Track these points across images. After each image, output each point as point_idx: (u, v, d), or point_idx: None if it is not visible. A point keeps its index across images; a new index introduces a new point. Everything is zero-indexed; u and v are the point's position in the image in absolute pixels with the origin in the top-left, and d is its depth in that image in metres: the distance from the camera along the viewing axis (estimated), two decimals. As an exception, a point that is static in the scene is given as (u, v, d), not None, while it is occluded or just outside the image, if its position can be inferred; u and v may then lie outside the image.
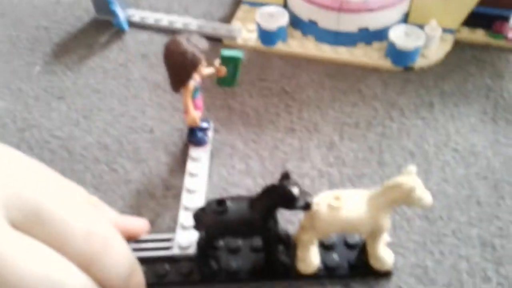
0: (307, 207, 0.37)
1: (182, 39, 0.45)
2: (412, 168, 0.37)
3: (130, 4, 0.72)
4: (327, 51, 0.63)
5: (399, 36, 0.59)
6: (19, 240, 0.25)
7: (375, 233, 0.39)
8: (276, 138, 0.53)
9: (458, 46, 0.63)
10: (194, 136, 0.51)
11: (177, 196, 0.48)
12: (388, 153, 0.51)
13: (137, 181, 0.50)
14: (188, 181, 0.49)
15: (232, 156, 0.52)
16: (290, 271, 0.42)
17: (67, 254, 0.27)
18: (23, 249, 0.25)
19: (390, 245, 0.43)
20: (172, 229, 0.45)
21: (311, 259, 0.41)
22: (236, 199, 0.39)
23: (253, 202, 0.38)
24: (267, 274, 0.42)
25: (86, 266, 0.28)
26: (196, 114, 0.48)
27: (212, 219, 0.38)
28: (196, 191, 0.48)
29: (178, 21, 0.68)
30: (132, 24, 0.69)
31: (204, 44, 0.45)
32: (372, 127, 0.54)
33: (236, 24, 0.68)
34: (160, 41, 0.67)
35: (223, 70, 0.49)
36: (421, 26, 0.61)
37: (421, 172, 0.49)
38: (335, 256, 0.42)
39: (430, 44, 0.61)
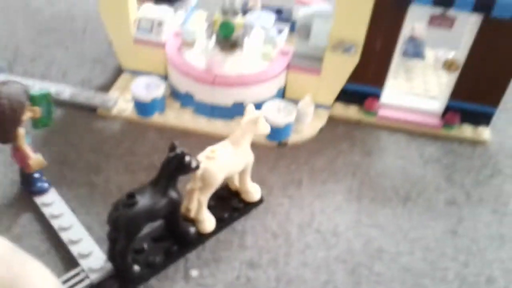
0: (198, 166, 0.44)
1: None
2: (251, 106, 0.49)
3: (2, 69, 0.68)
4: (204, 124, 0.62)
5: (271, 111, 0.59)
6: None
7: (245, 169, 0.50)
8: (136, 219, 0.50)
9: (333, 122, 0.64)
10: (33, 186, 0.51)
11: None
12: (251, 235, 0.50)
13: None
14: (56, 222, 0.49)
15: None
16: (199, 236, 0.48)
17: None
18: None
19: None
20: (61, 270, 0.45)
21: (209, 217, 0.49)
22: (139, 188, 0.42)
23: (155, 182, 0.43)
24: (180, 250, 0.47)
25: None
26: (39, 156, 0.49)
27: (129, 214, 0.41)
28: (71, 226, 0.48)
29: (49, 88, 0.64)
30: None
31: (19, 86, 0.46)
32: (238, 206, 0.52)
33: (114, 93, 0.65)
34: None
35: (38, 110, 0.48)
36: (297, 102, 0.61)
37: (281, 256, 0.48)
38: (220, 209, 0.50)
39: (304, 119, 0.62)
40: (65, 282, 0.43)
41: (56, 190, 0.52)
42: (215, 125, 0.62)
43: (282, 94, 0.65)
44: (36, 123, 0.49)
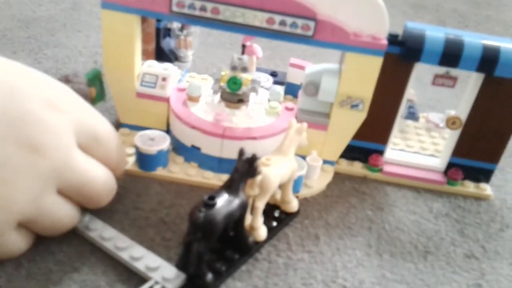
0: (259, 172, 0.47)
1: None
2: (293, 120, 0.54)
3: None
4: (211, 178, 0.60)
5: (283, 165, 0.58)
6: (83, 157, 0.45)
7: (290, 178, 0.53)
8: (149, 277, 0.46)
9: (339, 177, 0.63)
10: None
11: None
12: (275, 293, 0.46)
13: None
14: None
15: (93, 301, 0.43)
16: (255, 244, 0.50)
17: (110, 162, 0.49)
18: (85, 162, 0.45)
19: None
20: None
21: (263, 225, 0.50)
22: (216, 192, 0.44)
23: (227, 185, 0.45)
24: (241, 259, 0.48)
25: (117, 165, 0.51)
26: None
27: (211, 214, 0.42)
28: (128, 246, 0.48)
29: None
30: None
31: (82, 80, 0.58)
32: (257, 263, 0.49)
33: (113, 147, 0.62)
34: None
35: (94, 90, 0.58)
36: (303, 157, 0.61)
37: (310, 314, 0.45)
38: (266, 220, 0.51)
39: (312, 174, 0.61)
40: None
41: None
42: (222, 179, 0.59)
43: (287, 149, 0.64)
44: (93, 101, 0.58)
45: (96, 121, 0.48)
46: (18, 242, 0.43)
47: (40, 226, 0.44)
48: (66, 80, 0.55)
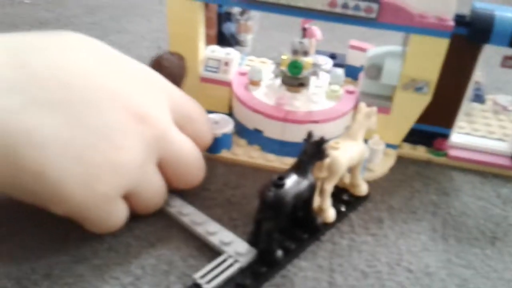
0: (328, 155, 0.47)
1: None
2: (362, 104, 0.54)
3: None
4: (273, 161, 0.61)
5: (345, 149, 0.58)
6: (178, 132, 0.49)
7: (359, 162, 0.53)
8: (218, 254, 0.48)
9: (402, 161, 0.63)
10: None
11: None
12: (339, 273, 0.47)
13: None
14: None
15: (168, 274, 0.45)
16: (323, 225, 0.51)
17: (199, 140, 0.53)
18: (181, 136, 0.49)
19: None
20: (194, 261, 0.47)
21: (331, 207, 0.51)
22: (285, 172, 0.45)
23: (296, 167, 0.46)
24: (310, 238, 0.49)
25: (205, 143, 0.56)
26: None
27: (280, 193, 0.43)
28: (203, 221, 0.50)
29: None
30: None
31: (179, 58, 0.61)
32: (321, 244, 0.50)
33: (179, 130, 0.65)
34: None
35: None
36: (364, 141, 0.61)
37: (375, 296, 0.45)
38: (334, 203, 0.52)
39: (375, 158, 0.61)
40: (214, 270, 0.44)
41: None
42: (285, 162, 0.61)
43: (349, 133, 0.64)
44: None
45: (186, 100, 0.52)
46: (122, 213, 0.46)
47: (139, 198, 0.47)
48: (160, 59, 0.57)
